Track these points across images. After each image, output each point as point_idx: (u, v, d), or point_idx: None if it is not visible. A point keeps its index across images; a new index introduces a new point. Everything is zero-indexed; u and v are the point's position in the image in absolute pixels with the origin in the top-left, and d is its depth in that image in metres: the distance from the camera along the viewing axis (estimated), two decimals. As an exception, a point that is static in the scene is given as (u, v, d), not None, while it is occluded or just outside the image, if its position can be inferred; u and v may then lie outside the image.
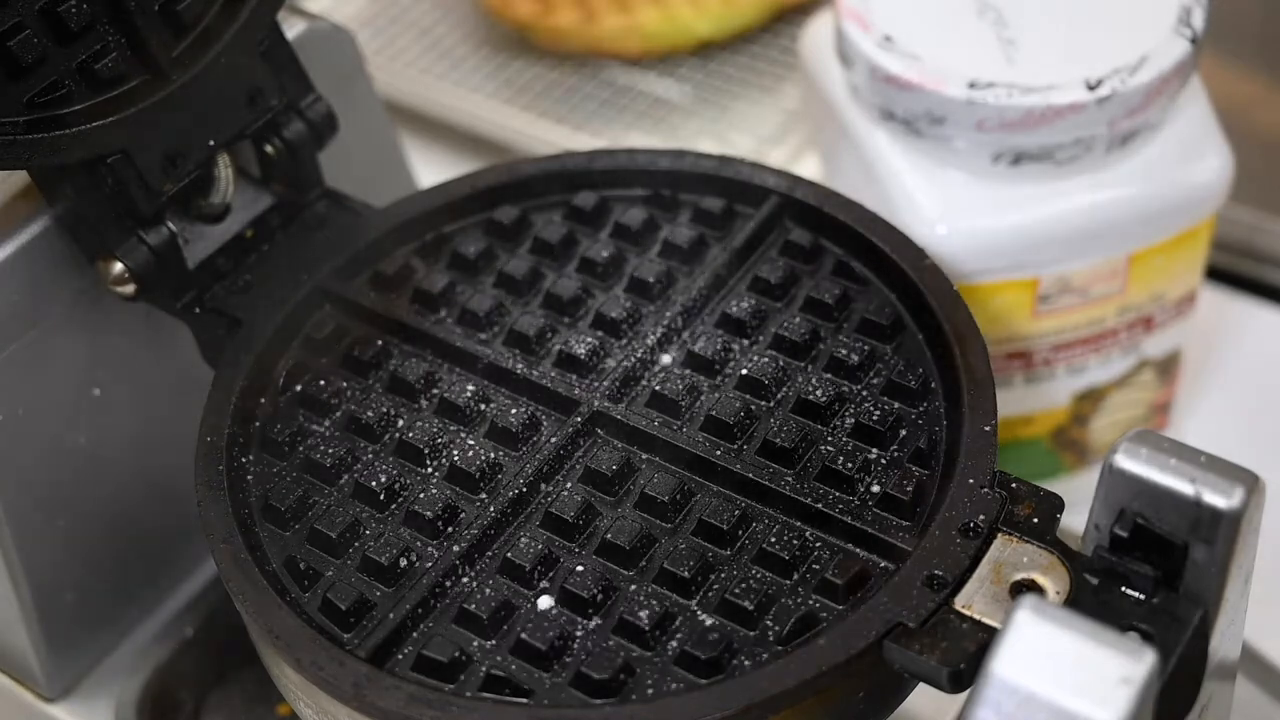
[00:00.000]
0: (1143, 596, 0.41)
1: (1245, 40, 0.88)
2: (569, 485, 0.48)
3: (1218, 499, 0.39)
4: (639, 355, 0.51)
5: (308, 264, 0.54)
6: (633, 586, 0.45)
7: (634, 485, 0.48)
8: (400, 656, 0.44)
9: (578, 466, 0.49)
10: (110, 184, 0.52)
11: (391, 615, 0.45)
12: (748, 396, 0.49)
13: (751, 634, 0.44)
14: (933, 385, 0.49)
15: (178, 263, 0.54)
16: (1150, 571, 0.40)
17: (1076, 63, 0.57)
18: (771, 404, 0.49)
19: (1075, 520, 0.44)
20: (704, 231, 0.55)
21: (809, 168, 0.79)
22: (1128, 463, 0.40)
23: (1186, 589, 0.41)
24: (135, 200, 0.52)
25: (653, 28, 0.86)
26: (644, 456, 0.49)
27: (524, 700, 0.43)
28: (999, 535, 0.44)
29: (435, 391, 0.51)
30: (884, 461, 0.47)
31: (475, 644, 0.44)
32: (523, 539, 0.47)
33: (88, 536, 0.57)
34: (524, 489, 0.48)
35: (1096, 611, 0.39)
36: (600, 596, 0.45)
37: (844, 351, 0.50)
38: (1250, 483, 0.39)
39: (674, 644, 0.44)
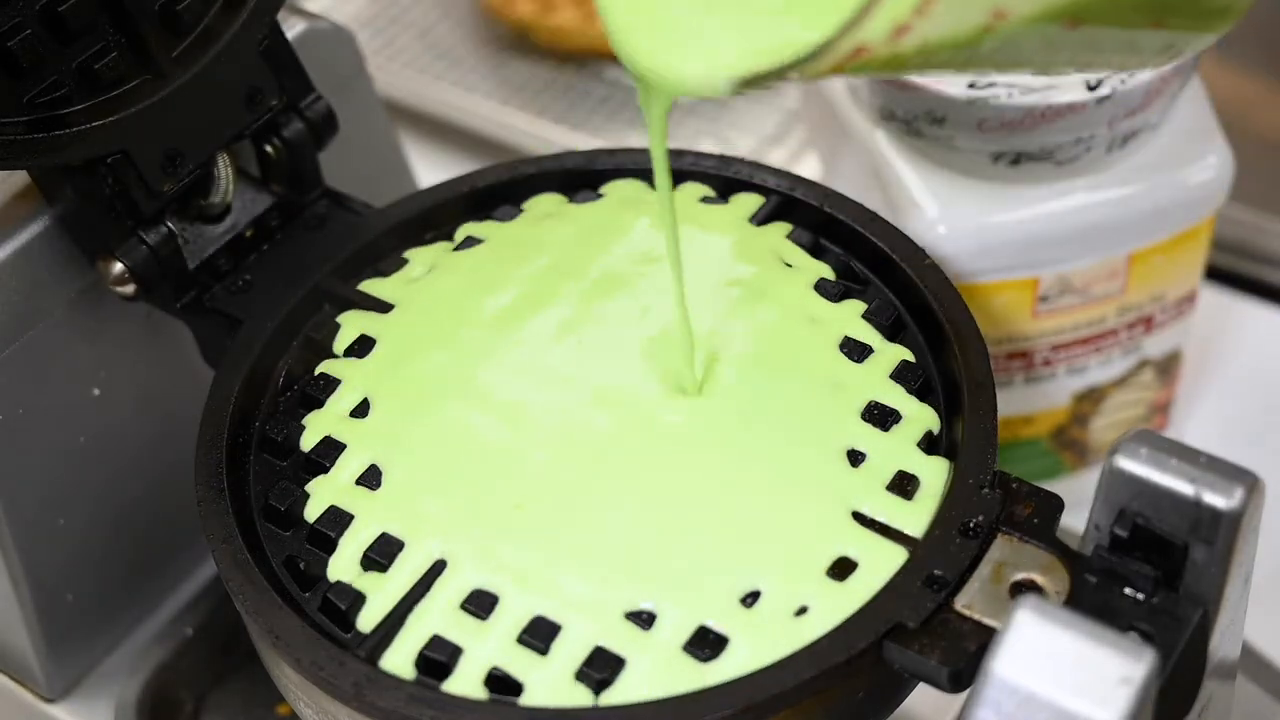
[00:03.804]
0: (1143, 596, 0.41)
1: (1245, 40, 0.88)
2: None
3: (1218, 499, 0.39)
4: (639, 355, 0.51)
5: (308, 264, 0.54)
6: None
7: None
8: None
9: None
10: (110, 184, 0.52)
11: (392, 615, 0.45)
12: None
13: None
14: (933, 385, 0.49)
15: (178, 263, 0.54)
16: (1150, 571, 0.41)
17: (1076, 63, 0.57)
18: (771, 404, 0.49)
19: (1075, 520, 0.44)
20: (704, 231, 0.55)
21: (809, 168, 0.79)
22: (1128, 463, 0.40)
23: (1186, 589, 0.41)
24: (135, 200, 0.52)
25: (653, 27, 0.85)
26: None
27: (524, 702, 0.43)
28: (999, 535, 0.44)
29: (435, 391, 0.51)
30: (884, 461, 0.47)
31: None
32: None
33: (88, 536, 0.57)
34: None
35: (1096, 611, 0.39)
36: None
37: (844, 351, 0.50)
38: (1250, 483, 0.39)
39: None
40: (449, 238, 0.55)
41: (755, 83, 0.37)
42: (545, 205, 0.55)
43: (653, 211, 0.54)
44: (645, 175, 0.56)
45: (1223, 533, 0.39)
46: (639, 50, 0.41)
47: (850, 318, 0.50)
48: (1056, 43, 0.39)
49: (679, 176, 0.56)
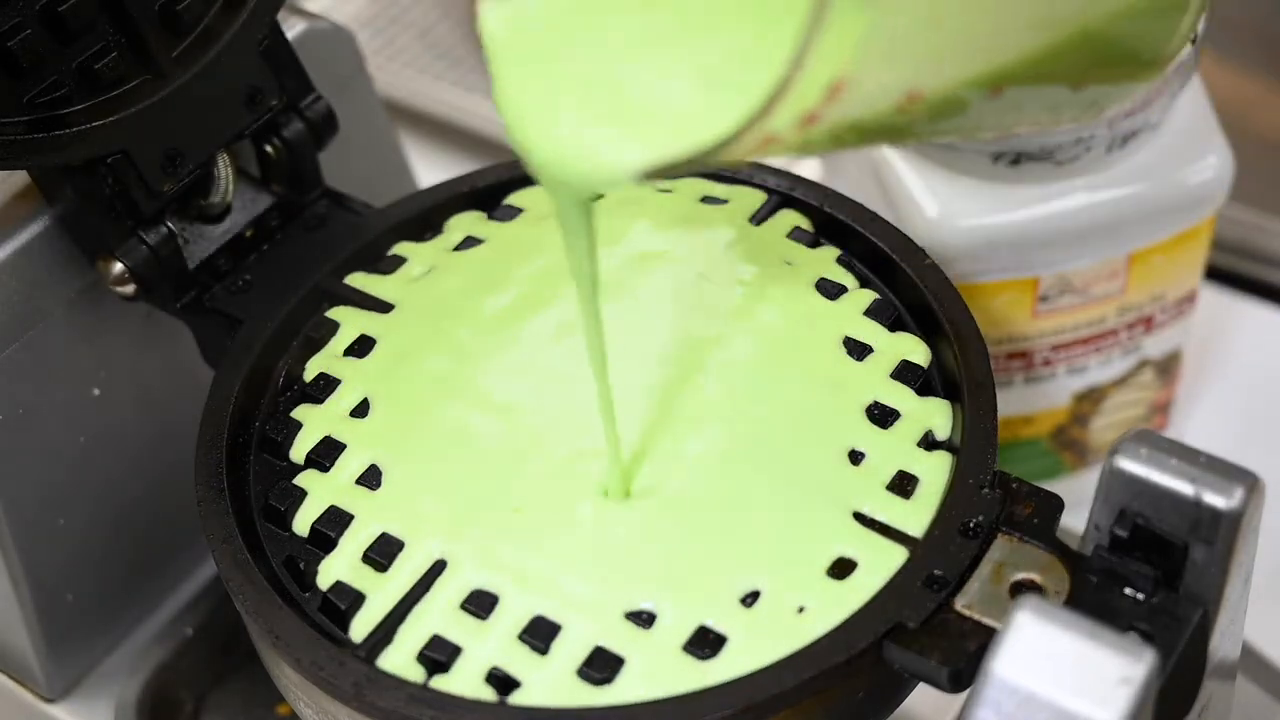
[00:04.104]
0: (1143, 596, 0.41)
1: (1245, 40, 0.88)
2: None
3: (1218, 499, 0.39)
4: (639, 355, 0.51)
5: (308, 264, 0.54)
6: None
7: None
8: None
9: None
10: (110, 184, 0.52)
11: (392, 614, 0.45)
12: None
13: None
14: (933, 385, 0.49)
15: (178, 263, 0.54)
16: (1150, 571, 0.41)
17: (1076, 63, 0.57)
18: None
19: (1075, 520, 0.44)
20: (704, 231, 0.55)
21: (809, 167, 0.78)
22: (1128, 463, 0.40)
23: (1186, 589, 0.41)
24: (135, 200, 0.52)
25: (652, 27, 0.85)
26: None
27: (524, 701, 0.43)
28: (999, 535, 0.44)
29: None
30: (884, 461, 0.47)
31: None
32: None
33: (88, 536, 0.57)
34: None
35: (1096, 611, 0.39)
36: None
37: (846, 349, 0.50)
38: (1250, 483, 0.39)
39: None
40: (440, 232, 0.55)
41: (662, 174, 0.36)
42: (546, 205, 0.55)
43: (653, 211, 0.54)
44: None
45: (1223, 533, 0.39)
46: (539, 145, 0.40)
47: (852, 315, 0.50)
48: (978, 111, 0.39)
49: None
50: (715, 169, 0.51)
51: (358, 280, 0.53)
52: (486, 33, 0.41)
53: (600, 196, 0.43)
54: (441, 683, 0.43)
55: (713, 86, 0.37)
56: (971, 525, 0.44)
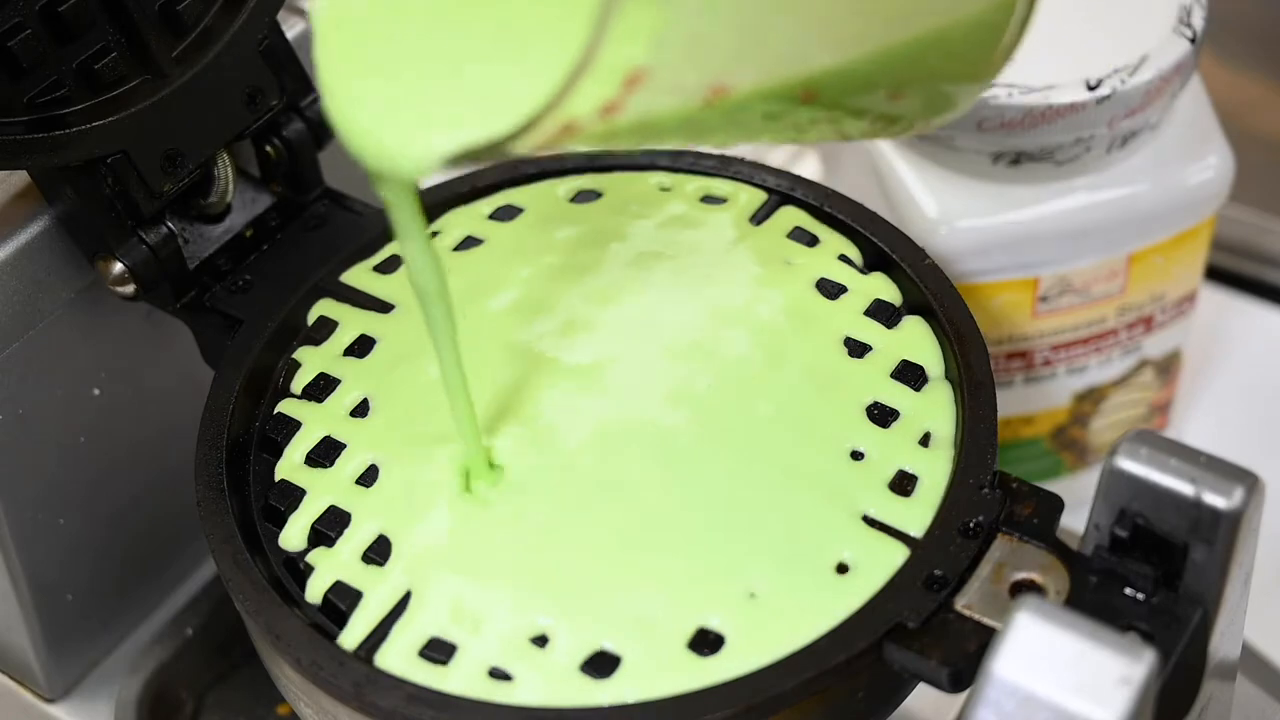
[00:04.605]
0: (1143, 596, 0.41)
1: (1245, 40, 0.88)
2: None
3: (1218, 499, 0.39)
4: (639, 355, 0.51)
5: (307, 264, 0.54)
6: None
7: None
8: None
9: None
10: (110, 184, 0.52)
11: (391, 614, 0.45)
12: (748, 396, 0.49)
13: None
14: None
15: (178, 262, 0.54)
16: (1150, 571, 0.41)
17: (1076, 63, 0.57)
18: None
19: (1075, 520, 0.44)
20: (704, 231, 0.55)
21: (809, 168, 0.79)
22: (1128, 463, 0.40)
23: (1186, 589, 0.41)
24: (135, 200, 0.52)
25: (652, 27, 0.85)
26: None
27: (522, 701, 0.43)
28: (999, 535, 0.44)
29: (435, 391, 0.51)
30: (884, 461, 0.47)
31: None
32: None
33: (88, 536, 0.58)
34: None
35: (1096, 611, 0.39)
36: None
37: (847, 348, 0.50)
38: (1250, 483, 0.39)
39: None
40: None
41: (463, 159, 0.36)
42: (547, 205, 0.55)
43: (654, 211, 0.54)
44: (648, 171, 0.56)
45: (1223, 533, 0.39)
46: (344, 122, 0.40)
47: (852, 315, 0.50)
48: (790, 116, 0.38)
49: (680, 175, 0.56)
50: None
51: (358, 280, 0.53)
52: (314, 8, 0.41)
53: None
54: (441, 682, 0.43)
55: (516, 73, 0.37)
56: (971, 525, 0.44)
